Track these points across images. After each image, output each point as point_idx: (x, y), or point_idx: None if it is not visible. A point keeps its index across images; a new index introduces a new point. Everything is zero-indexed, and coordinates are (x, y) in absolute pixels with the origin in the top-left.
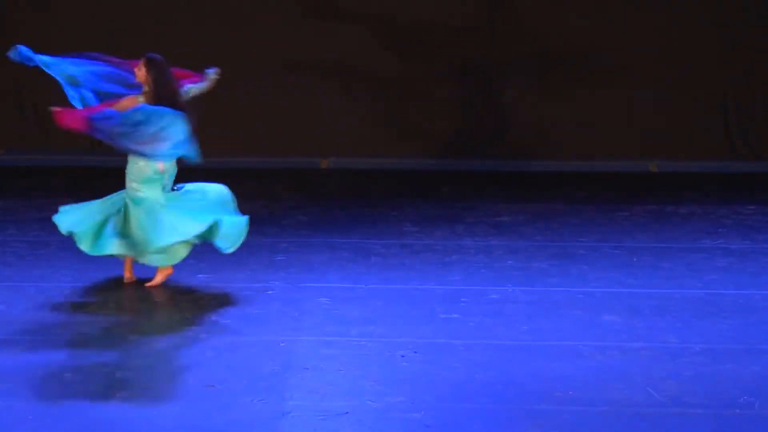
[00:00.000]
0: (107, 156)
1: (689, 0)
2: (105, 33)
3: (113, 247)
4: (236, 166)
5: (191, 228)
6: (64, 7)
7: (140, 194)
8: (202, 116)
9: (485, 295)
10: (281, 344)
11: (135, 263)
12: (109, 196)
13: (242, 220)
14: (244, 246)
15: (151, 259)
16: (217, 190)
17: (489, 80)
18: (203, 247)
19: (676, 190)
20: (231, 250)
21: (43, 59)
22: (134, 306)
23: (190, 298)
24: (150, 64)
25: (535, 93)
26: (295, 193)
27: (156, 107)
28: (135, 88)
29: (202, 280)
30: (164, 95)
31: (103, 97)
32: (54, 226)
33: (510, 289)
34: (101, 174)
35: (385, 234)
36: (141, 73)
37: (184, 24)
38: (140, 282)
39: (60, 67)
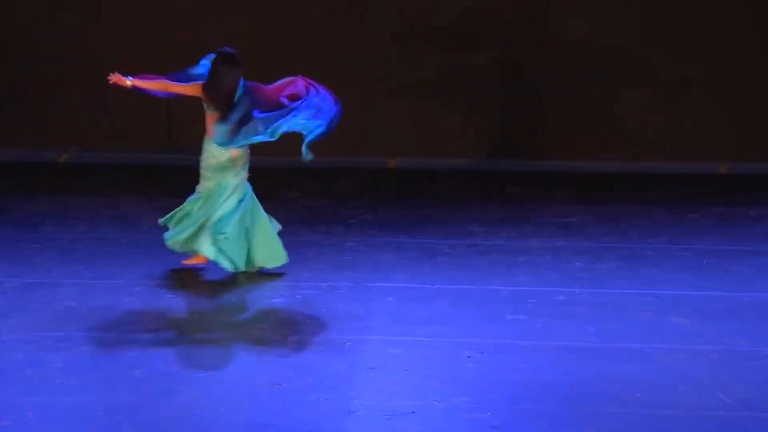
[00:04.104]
0: (178, 154)
1: None
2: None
3: None
4: (303, 165)
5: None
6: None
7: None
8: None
9: (552, 297)
10: (346, 343)
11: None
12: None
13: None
14: (311, 245)
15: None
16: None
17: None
18: None
19: (746, 191)
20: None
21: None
22: (203, 304)
23: (256, 297)
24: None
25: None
26: (361, 193)
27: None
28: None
29: (269, 278)
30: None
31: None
32: (124, 223)
33: (577, 291)
34: (171, 170)
35: (452, 234)
36: None
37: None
38: (211, 280)
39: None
